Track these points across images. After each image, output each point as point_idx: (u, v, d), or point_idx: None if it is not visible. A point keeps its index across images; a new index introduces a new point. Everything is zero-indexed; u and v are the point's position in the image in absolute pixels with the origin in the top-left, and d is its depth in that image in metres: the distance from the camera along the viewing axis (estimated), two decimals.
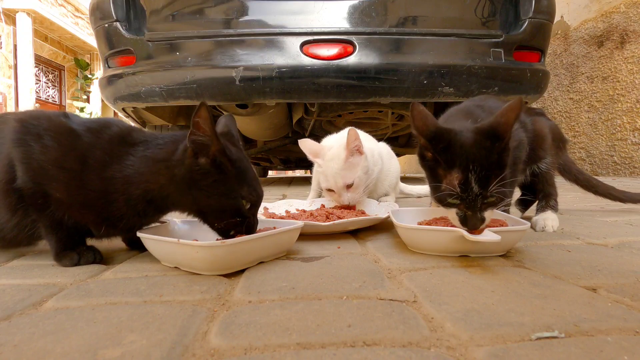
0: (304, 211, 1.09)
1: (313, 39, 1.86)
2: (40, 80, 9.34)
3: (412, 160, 7.57)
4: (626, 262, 0.64)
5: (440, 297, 0.49)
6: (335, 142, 1.24)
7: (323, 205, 1.17)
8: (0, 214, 0.69)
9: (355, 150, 1.15)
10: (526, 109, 1.08)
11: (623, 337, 0.38)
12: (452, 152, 0.66)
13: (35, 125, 0.66)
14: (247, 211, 0.67)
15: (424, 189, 1.80)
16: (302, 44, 1.85)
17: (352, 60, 1.85)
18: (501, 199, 0.67)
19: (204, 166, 0.63)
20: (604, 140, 3.36)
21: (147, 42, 1.90)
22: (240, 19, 1.91)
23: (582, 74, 3.59)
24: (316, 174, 1.31)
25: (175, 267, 0.66)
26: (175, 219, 0.84)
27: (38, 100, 8.89)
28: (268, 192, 2.34)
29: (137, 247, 0.81)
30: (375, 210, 1.15)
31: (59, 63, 9.94)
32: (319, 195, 1.40)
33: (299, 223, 0.76)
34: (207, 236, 0.72)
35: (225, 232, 0.68)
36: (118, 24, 1.92)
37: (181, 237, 0.73)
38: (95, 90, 10.42)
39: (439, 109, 2.00)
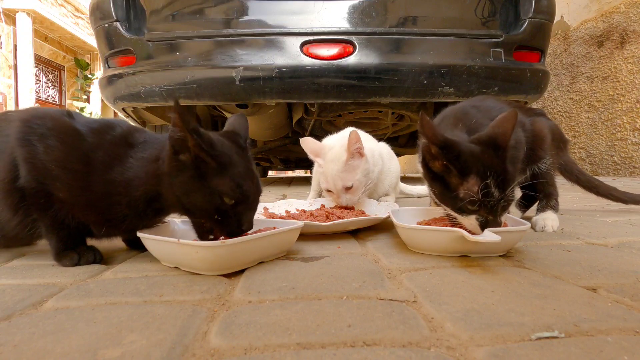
0: (304, 211, 1.09)
1: (313, 39, 1.86)
2: (40, 80, 9.33)
3: (412, 160, 7.57)
4: (626, 262, 0.64)
5: (440, 297, 0.49)
6: (337, 142, 1.24)
7: (323, 205, 1.17)
8: (1, 213, 0.69)
9: (356, 152, 1.15)
10: (526, 109, 1.08)
11: (623, 337, 0.38)
12: (465, 160, 0.67)
13: (40, 125, 0.67)
14: (231, 209, 0.63)
15: (424, 189, 1.80)
16: (302, 44, 1.85)
17: (352, 60, 1.85)
18: (513, 200, 0.69)
19: (185, 162, 0.62)
20: (604, 140, 3.36)
21: (147, 42, 1.90)
22: (240, 19, 1.91)
23: (582, 74, 3.59)
24: (316, 174, 1.31)
25: (175, 267, 0.66)
26: (175, 219, 0.84)
27: (38, 100, 8.89)
28: (268, 192, 2.34)
29: (137, 247, 0.81)
30: (375, 210, 1.15)
31: (59, 63, 9.94)
32: (319, 195, 1.40)
33: (299, 223, 0.76)
34: None
35: (200, 232, 0.66)
36: (118, 24, 1.92)
37: (181, 237, 0.73)
38: (95, 90, 10.41)
39: (438, 109, 2.00)
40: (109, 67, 2.04)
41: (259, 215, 1.02)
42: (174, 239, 0.62)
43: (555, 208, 1.01)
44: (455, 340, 0.38)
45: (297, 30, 1.87)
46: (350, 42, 1.86)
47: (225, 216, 0.63)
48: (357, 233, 0.95)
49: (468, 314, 0.43)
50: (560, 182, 1.10)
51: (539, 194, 1.05)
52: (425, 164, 0.75)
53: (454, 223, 0.74)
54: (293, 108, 2.52)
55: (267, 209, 1.11)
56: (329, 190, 1.17)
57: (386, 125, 2.67)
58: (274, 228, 0.75)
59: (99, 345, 0.38)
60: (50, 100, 9.70)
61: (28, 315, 0.47)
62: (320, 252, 0.75)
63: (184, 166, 0.62)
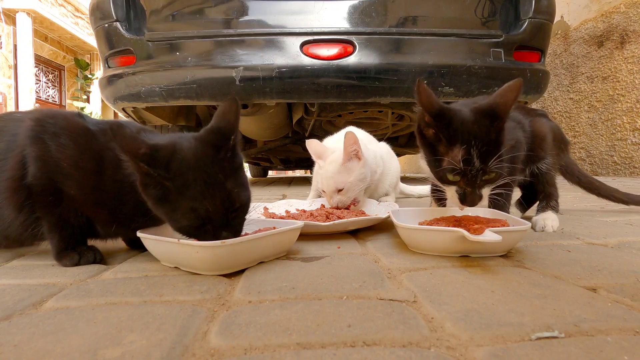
0: (304, 211, 1.09)
1: (313, 39, 1.86)
2: (40, 80, 9.34)
3: (412, 160, 7.57)
4: (626, 262, 0.64)
5: (440, 297, 0.49)
6: (339, 144, 1.25)
7: (323, 205, 1.17)
8: (6, 213, 0.69)
9: (353, 154, 1.15)
10: (528, 109, 1.08)
11: (623, 337, 0.38)
12: (454, 129, 0.68)
13: (52, 124, 0.67)
14: (202, 227, 0.60)
15: (424, 189, 1.80)
16: (302, 44, 1.85)
17: (352, 60, 1.85)
18: (499, 176, 0.70)
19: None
20: (604, 140, 3.36)
21: (147, 42, 1.90)
22: (240, 19, 1.91)
23: (582, 74, 3.59)
24: (316, 174, 1.31)
25: (175, 267, 0.66)
26: None
27: (38, 100, 8.89)
28: (268, 192, 2.34)
29: (137, 247, 0.81)
30: (375, 210, 1.15)
31: (59, 63, 9.94)
32: (319, 195, 1.40)
33: (299, 223, 0.76)
34: None
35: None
36: (118, 24, 1.92)
37: (181, 237, 0.73)
38: (95, 90, 10.42)
39: None
40: (109, 67, 2.05)
41: (259, 215, 1.02)
42: (174, 239, 0.62)
43: (555, 208, 1.01)
44: (455, 340, 0.38)
45: (297, 30, 1.87)
46: (350, 42, 1.86)
47: (201, 232, 0.61)
48: (357, 233, 0.95)
49: (468, 314, 0.43)
50: (561, 182, 1.10)
51: (539, 194, 1.05)
52: (420, 131, 0.76)
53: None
54: (293, 108, 2.52)
55: (267, 209, 1.11)
56: (323, 191, 1.18)
57: (386, 125, 2.67)
58: (274, 228, 0.75)
59: (99, 345, 0.38)
60: (50, 100, 9.70)
61: (28, 315, 0.47)
62: (320, 252, 0.75)
63: (149, 186, 0.60)
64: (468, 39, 1.92)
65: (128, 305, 0.50)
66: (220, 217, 0.61)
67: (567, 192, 1.73)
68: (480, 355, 0.35)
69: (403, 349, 0.37)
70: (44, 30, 9.00)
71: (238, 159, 0.66)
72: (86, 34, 9.78)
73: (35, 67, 8.65)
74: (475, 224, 0.73)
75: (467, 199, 0.69)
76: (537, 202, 1.05)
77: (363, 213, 1.08)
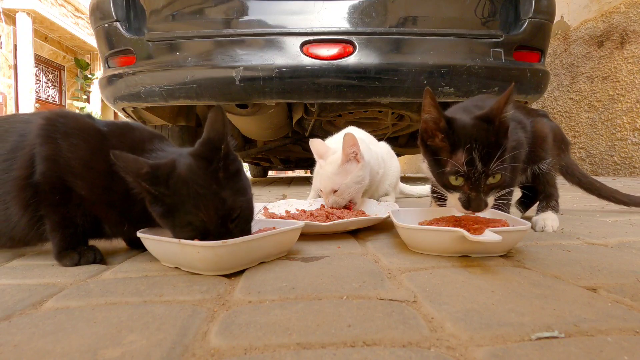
0: (304, 211, 1.09)
1: (313, 39, 1.86)
2: (40, 80, 9.34)
3: (412, 160, 7.57)
4: (626, 262, 0.64)
5: (440, 297, 0.49)
6: (341, 144, 1.25)
7: (323, 205, 1.17)
8: (12, 212, 0.69)
9: (352, 156, 1.15)
10: (528, 110, 1.08)
11: (623, 337, 0.38)
12: (457, 135, 0.71)
13: (64, 124, 0.68)
14: (203, 239, 0.61)
15: (424, 189, 1.80)
16: (302, 44, 1.85)
17: (352, 60, 1.85)
18: (503, 179, 0.71)
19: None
20: (604, 140, 3.36)
21: (147, 42, 1.90)
22: (240, 19, 1.91)
23: (582, 74, 3.59)
24: (317, 174, 1.31)
25: (176, 267, 0.66)
26: None
27: (38, 100, 8.90)
28: (268, 192, 2.34)
29: (137, 247, 0.81)
30: (375, 210, 1.15)
31: (59, 63, 9.94)
32: (319, 195, 1.40)
33: (300, 223, 0.76)
34: None
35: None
36: (118, 24, 1.92)
37: None
38: (95, 90, 10.42)
39: None
40: (109, 67, 2.05)
41: (259, 215, 1.02)
42: (175, 239, 0.62)
43: (555, 208, 1.01)
44: (455, 340, 0.38)
45: (297, 30, 1.87)
46: (350, 42, 1.86)
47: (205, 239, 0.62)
48: (357, 233, 0.95)
49: (468, 314, 0.43)
50: (561, 182, 1.10)
51: (539, 194, 1.05)
52: (423, 141, 0.79)
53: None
54: (293, 108, 2.52)
55: (267, 209, 1.11)
56: (321, 190, 1.18)
57: (386, 125, 2.67)
58: (274, 228, 0.75)
59: (99, 345, 0.38)
60: (50, 100, 9.70)
61: (28, 315, 0.47)
62: (320, 252, 0.75)
63: (153, 203, 0.63)
64: (468, 39, 1.92)
65: (128, 305, 0.50)
66: (218, 227, 0.61)
67: (567, 193, 1.73)
68: (480, 355, 0.35)
69: (403, 349, 0.37)
70: (44, 30, 9.00)
71: (234, 165, 0.66)
72: (86, 34, 9.78)
73: (35, 67, 8.65)
74: (475, 224, 0.73)
75: (472, 204, 0.70)
76: (537, 202, 1.05)
77: (363, 213, 1.08)
